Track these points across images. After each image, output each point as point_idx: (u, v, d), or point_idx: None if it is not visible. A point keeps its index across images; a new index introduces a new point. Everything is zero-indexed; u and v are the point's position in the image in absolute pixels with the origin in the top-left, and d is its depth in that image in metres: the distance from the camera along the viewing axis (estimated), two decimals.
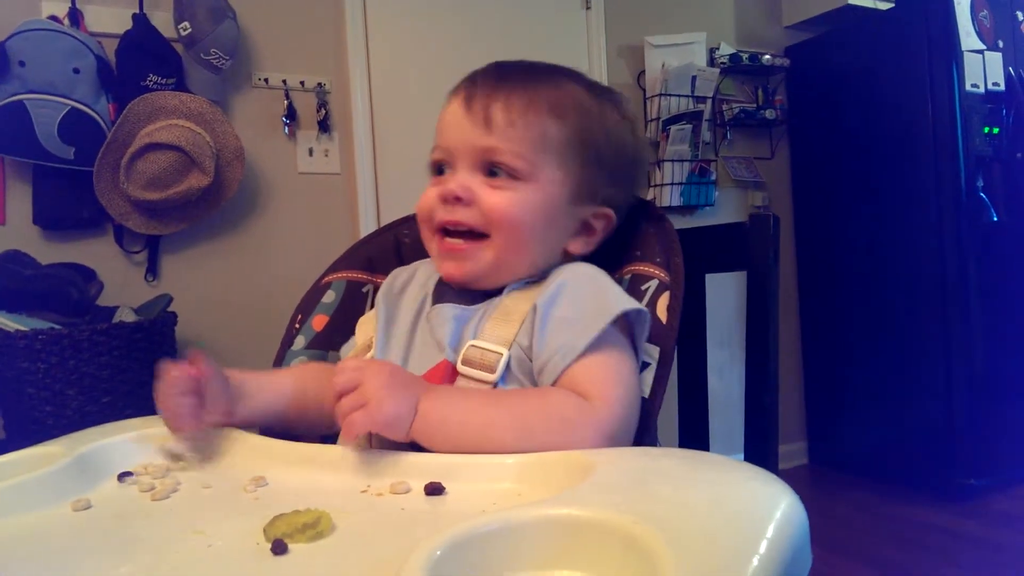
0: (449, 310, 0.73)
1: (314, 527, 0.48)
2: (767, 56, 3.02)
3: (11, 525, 0.54)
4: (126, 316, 1.82)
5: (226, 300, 2.18)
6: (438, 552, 0.37)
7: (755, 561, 0.36)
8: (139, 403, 1.70)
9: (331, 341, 0.87)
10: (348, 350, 0.79)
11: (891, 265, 2.87)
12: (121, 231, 2.04)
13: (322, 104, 2.30)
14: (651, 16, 2.93)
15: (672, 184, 2.81)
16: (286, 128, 2.25)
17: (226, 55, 2.05)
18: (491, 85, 0.72)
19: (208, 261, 2.17)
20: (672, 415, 0.79)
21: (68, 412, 1.60)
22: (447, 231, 0.72)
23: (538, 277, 0.74)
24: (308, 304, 0.89)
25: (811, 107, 3.13)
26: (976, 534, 2.37)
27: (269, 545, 0.46)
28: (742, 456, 0.75)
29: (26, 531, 0.54)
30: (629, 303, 0.67)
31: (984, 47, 2.70)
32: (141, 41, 2.01)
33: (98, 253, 2.01)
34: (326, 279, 0.91)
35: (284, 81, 2.25)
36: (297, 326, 0.88)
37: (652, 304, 0.72)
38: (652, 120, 2.80)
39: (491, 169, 0.71)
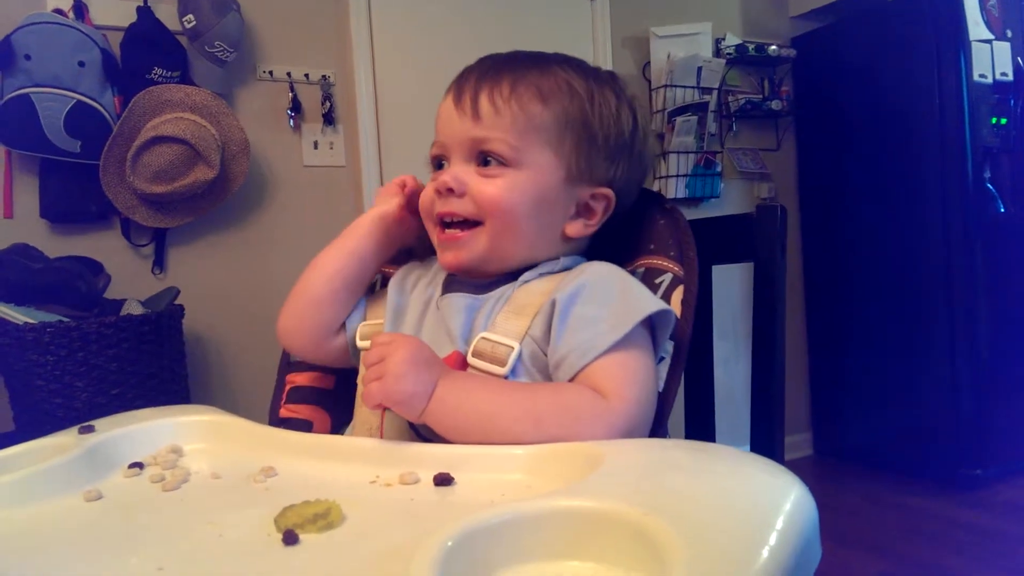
0: (460, 299, 0.74)
1: (324, 518, 0.48)
2: (773, 47, 3.00)
3: (24, 516, 0.55)
4: (134, 309, 1.82)
5: (233, 292, 2.18)
6: (449, 543, 0.37)
7: (765, 552, 0.36)
8: (148, 394, 1.70)
9: None
10: (359, 330, 0.79)
11: (897, 256, 2.86)
12: (128, 224, 2.05)
13: (327, 97, 2.29)
14: (656, 7, 2.91)
15: (678, 176, 2.80)
16: (291, 121, 2.25)
17: (230, 48, 2.05)
18: (479, 77, 0.73)
19: (215, 253, 2.18)
20: (678, 406, 0.79)
21: (77, 404, 1.61)
22: (445, 223, 0.74)
23: (554, 269, 0.74)
24: None
25: (817, 98, 3.11)
26: (983, 524, 2.37)
27: (280, 536, 0.46)
28: (748, 447, 0.75)
29: (38, 522, 0.54)
30: (656, 304, 0.67)
31: (992, 37, 2.68)
32: (146, 34, 2.01)
33: (105, 246, 2.02)
34: None
35: (288, 74, 2.25)
36: None
37: (667, 298, 0.72)
38: (657, 111, 2.79)
39: (483, 158, 0.71)
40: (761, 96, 3.05)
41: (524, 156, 0.71)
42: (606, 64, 2.75)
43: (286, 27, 2.27)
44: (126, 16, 2.01)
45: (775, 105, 3.02)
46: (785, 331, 0.81)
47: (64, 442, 0.65)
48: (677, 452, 0.53)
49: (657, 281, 0.74)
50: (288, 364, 0.87)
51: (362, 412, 0.75)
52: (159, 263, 2.10)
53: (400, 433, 0.67)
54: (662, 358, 0.70)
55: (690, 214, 0.96)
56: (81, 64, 1.89)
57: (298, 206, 2.28)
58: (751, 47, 2.95)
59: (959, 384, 2.68)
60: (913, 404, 2.83)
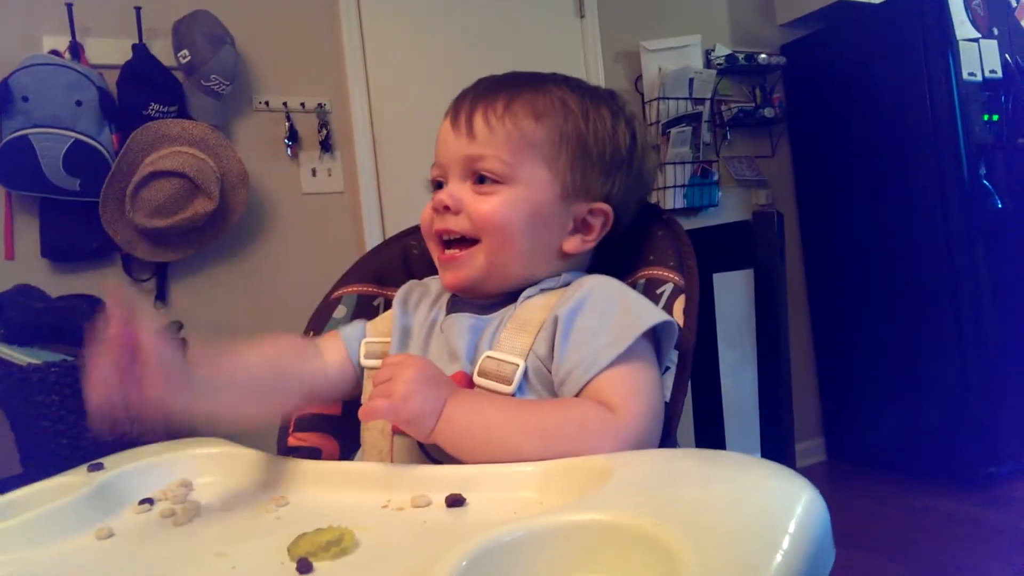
0: (464, 320, 0.74)
1: (338, 544, 0.48)
2: (763, 55, 3.03)
3: (37, 556, 0.55)
4: None
5: (236, 323, 2.19)
6: (464, 562, 0.37)
7: (779, 557, 0.36)
8: (155, 430, 1.70)
9: None
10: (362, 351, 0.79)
11: (898, 257, 2.86)
12: (129, 260, 2.06)
13: (323, 124, 2.31)
14: (645, 21, 2.94)
15: (675, 187, 2.81)
16: (288, 150, 2.27)
17: (226, 80, 2.07)
18: (475, 97, 0.74)
19: (216, 285, 2.18)
20: (687, 418, 0.79)
21: (83, 444, 1.61)
22: (444, 241, 0.74)
23: (555, 285, 0.74)
24: (319, 320, 0.90)
25: (810, 104, 3.13)
26: (995, 521, 2.35)
27: (294, 565, 0.46)
28: (759, 455, 0.75)
29: (52, 562, 0.54)
30: (659, 316, 0.67)
31: (979, 35, 2.70)
32: (141, 71, 2.04)
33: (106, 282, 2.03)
34: (336, 294, 0.91)
35: (285, 103, 2.27)
36: None
37: (668, 308, 0.72)
38: (652, 124, 2.81)
39: (479, 176, 0.72)
40: (754, 104, 3.07)
41: (519, 173, 0.71)
42: (598, 79, 2.77)
43: (281, 57, 2.29)
44: (122, 54, 2.03)
45: (768, 112, 3.04)
46: (789, 335, 0.81)
47: (73, 481, 0.65)
48: (686, 461, 0.53)
49: (658, 292, 0.74)
50: None
51: (371, 436, 0.74)
52: (161, 297, 2.10)
53: (410, 456, 0.67)
54: (667, 368, 0.70)
55: (689, 223, 0.96)
56: (78, 103, 1.91)
57: (298, 234, 2.30)
58: (741, 56, 2.98)
59: (967, 382, 2.67)
60: (922, 404, 2.82)
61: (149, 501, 0.63)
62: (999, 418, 2.65)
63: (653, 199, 0.87)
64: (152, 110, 2.02)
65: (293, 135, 2.27)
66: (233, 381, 0.65)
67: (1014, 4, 2.85)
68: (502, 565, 0.39)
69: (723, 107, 3.01)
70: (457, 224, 0.72)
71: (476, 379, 0.68)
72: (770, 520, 0.40)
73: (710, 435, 0.84)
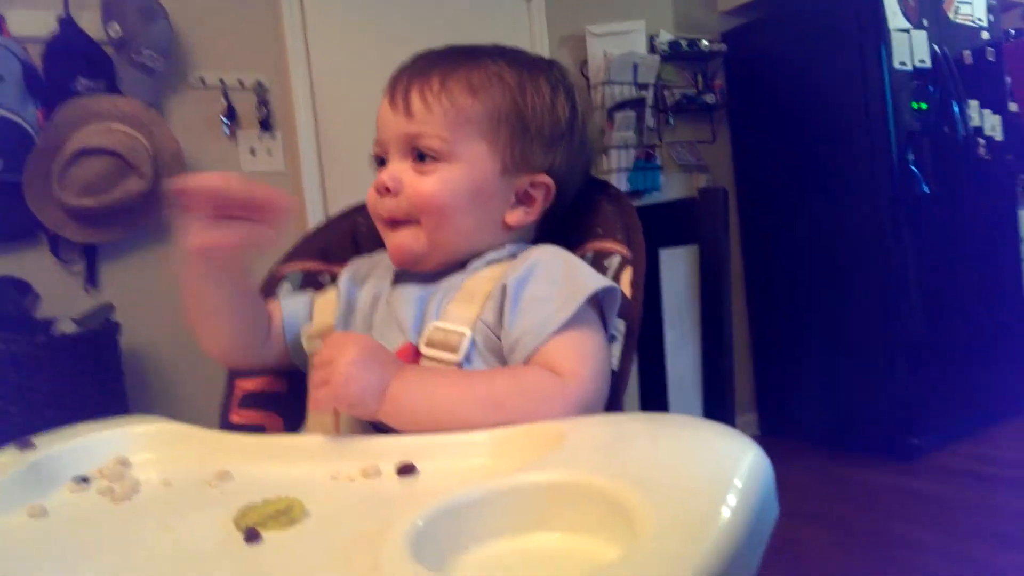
0: (409, 290, 0.74)
1: (286, 514, 0.47)
2: (705, 42, 3.08)
3: None
4: (66, 327, 1.75)
5: (172, 306, 2.09)
6: (420, 523, 0.37)
7: (727, 511, 0.37)
8: (86, 415, 1.62)
9: None
10: (305, 331, 0.78)
11: (830, 239, 2.96)
12: (57, 241, 1.96)
13: (262, 102, 2.25)
14: (591, 5, 2.95)
15: (619, 170, 2.84)
16: (226, 128, 2.20)
17: (159, 55, 1.99)
18: (411, 75, 0.74)
19: (151, 267, 2.11)
20: (632, 390, 0.81)
21: (11, 430, 1.54)
22: (389, 222, 0.75)
23: (501, 256, 0.74)
24: (264, 297, 0.88)
25: (749, 90, 3.20)
26: (923, 490, 2.48)
27: (241, 535, 0.45)
28: None
29: None
30: (601, 281, 0.68)
31: (910, 26, 2.80)
32: (68, 44, 1.94)
33: (33, 265, 1.93)
34: (281, 270, 0.90)
35: (222, 80, 2.20)
36: None
37: (616, 279, 0.73)
38: (597, 108, 2.83)
39: (418, 154, 0.72)
40: (696, 90, 3.12)
41: (457, 149, 0.71)
42: None
43: (218, 33, 2.21)
44: (47, 26, 1.93)
45: (709, 99, 3.09)
46: (731, 308, 0.83)
47: (3, 461, 0.62)
48: (637, 424, 0.54)
49: (606, 263, 0.75)
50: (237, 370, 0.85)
51: (316, 412, 0.73)
52: (91, 279, 2.02)
53: (357, 431, 0.66)
54: (613, 337, 0.71)
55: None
56: (0, 78, 1.81)
57: None
58: (684, 43, 3.02)
59: (893, 358, 2.80)
60: (853, 379, 2.94)
61: (85, 479, 0.61)
62: (920, 394, 2.79)
63: None
64: (80, 85, 1.93)
65: (231, 113, 2.20)
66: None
67: None
68: (457, 526, 0.39)
69: (666, 92, 3.05)
70: (397, 206, 0.73)
71: (424, 349, 0.68)
72: (718, 475, 0.41)
73: (655, 406, 0.85)
